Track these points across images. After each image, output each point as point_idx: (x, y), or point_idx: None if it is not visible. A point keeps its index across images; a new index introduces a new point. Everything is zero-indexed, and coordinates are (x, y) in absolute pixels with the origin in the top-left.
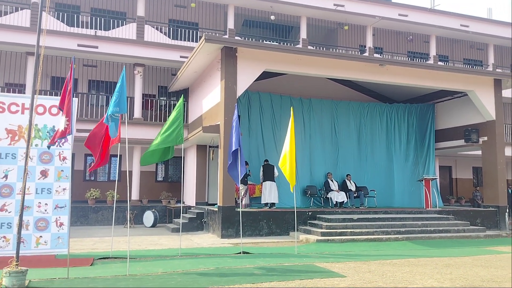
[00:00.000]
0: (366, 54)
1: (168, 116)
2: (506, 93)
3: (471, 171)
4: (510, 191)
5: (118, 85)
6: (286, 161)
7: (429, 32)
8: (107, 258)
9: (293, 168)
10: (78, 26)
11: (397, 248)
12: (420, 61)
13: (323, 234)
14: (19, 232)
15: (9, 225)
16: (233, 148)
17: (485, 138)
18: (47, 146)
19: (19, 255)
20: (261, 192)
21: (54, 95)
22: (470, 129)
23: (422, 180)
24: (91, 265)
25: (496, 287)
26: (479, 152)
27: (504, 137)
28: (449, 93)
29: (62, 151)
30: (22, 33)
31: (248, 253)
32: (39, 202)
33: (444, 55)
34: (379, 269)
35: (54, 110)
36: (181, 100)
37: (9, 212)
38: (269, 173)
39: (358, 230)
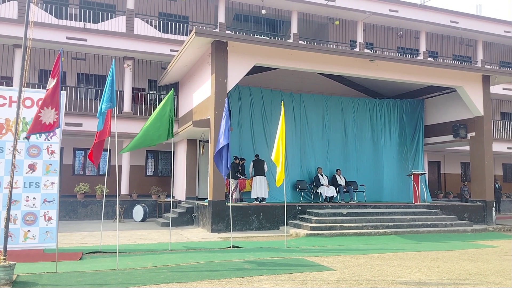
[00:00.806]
0: (357, 49)
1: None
2: (494, 89)
3: (459, 166)
4: (497, 186)
5: (109, 80)
6: (278, 156)
7: (419, 28)
8: (96, 252)
9: (282, 164)
10: (66, 19)
11: (385, 242)
12: (410, 56)
13: (313, 228)
14: (6, 226)
15: None
16: (222, 144)
17: (473, 134)
18: (25, 137)
19: (7, 249)
20: (251, 186)
21: (42, 88)
22: (459, 124)
23: (411, 175)
24: (80, 260)
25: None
26: (467, 148)
27: (491, 133)
28: (438, 88)
29: (51, 145)
30: (9, 25)
31: (238, 247)
32: (27, 196)
33: (434, 51)
34: (368, 263)
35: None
36: (170, 92)
37: None
38: (259, 168)
39: (347, 225)
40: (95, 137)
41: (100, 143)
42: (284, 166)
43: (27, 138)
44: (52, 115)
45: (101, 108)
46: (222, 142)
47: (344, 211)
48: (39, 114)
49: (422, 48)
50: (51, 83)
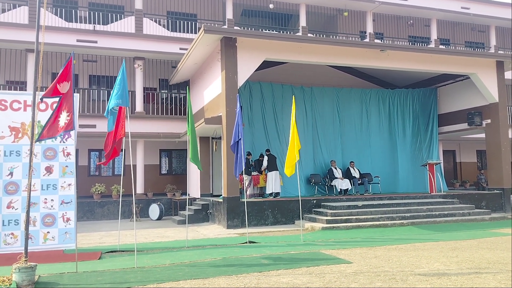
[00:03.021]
0: (367, 40)
1: (170, 109)
2: (508, 75)
3: (475, 155)
4: None
5: (118, 78)
6: (293, 149)
7: (429, 16)
8: (114, 251)
9: (293, 156)
10: (76, 22)
11: (402, 233)
12: (421, 45)
13: (328, 221)
14: (26, 229)
15: (17, 222)
16: (236, 139)
17: (489, 121)
18: (37, 141)
19: (28, 251)
20: (265, 182)
21: None
22: (473, 112)
23: (426, 165)
24: (99, 259)
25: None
26: (483, 135)
27: (507, 119)
28: (451, 76)
29: (66, 147)
30: (21, 30)
31: (254, 242)
32: (45, 198)
33: (446, 39)
34: (385, 254)
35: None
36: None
37: (16, 209)
38: (272, 163)
39: (363, 217)
40: (106, 138)
41: (118, 144)
42: (295, 159)
43: (40, 140)
44: (64, 117)
45: (109, 105)
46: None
47: (360, 203)
48: (58, 119)
49: (434, 36)
50: (65, 87)
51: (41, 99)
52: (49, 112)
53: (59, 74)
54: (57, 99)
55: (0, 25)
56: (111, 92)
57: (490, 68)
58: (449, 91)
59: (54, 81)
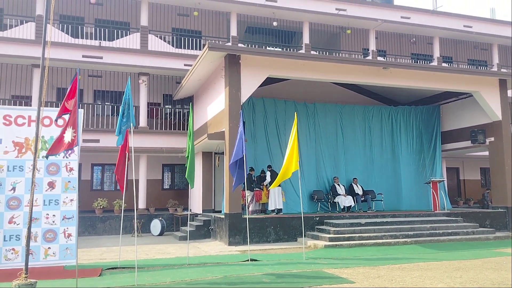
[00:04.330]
0: (370, 57)
1: (174, 124)
2: (510, 93)
3: (479, 172)
4: None
5: (125, 99)
6: (291, 164)
7: (432, 34)
8: (115, 268)
9: (287, 172)
10: (82, 37)
11: (406, 252)
12: (424, 62)
13: (331, 239)
14: (27, 244)
15: (18, 237)
16: (239, 156)
17: (492, 139)
18: (45, 156)
19: (28, 267)
20: (267, 198)
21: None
22: (477, 130)
23: (430, 183)
24: (99, 276)
25: None
26: (487, 153)
27: (511, 138)
28: (454, 94)
29: (69, 162)
30: (27, 45)
31: (256, 260)
32: (47, 214)
33: (448, 56)
34: (388, 274)
35: (60, 122)
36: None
37: (17, 224)
38: (275, 178)
39: (366, 235)
40: (119, 152)
41: (123, 158)
42: (289, 174)
43: (47, 156)
44: (70, 133)
45: (120, 126)
46: (236, 155)
47: (363, 221)
48: (63, 135)
49: (436, 53)
50: (72, 104)
51: (56, 120)
52: (53, 127)
53: (67, 92)
54: (66, 116)
55: (7, 40)
56: (121, 112)
57: (493, 86)
58: (452, 109)
59: (64, 100)
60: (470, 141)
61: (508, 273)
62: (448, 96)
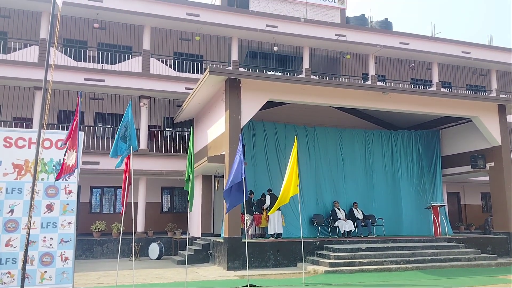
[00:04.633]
0: (369, 82)
1: (174, 147)
2: (510, 118)
3: (479, 197)
4: None
5: (129, 122)
6: (289, 188)
7: (431, 60)
8: None
9: (286, 195)
10: (85, 61)
11: (407, 278)
12: (423, 88)
13: (331, 264)
14: (23, 268)
15: (14, 261)
16: (237, 180)
17: (492, 164)
18: (55, 181)
19: None
20: (267, 222)
21: (61, 129)
22: (477, 155)
23: (430, 208)
24: None
25: None
26: (487, 178)
27: (511, 163)
28: (454, 119)
29: (68, 185)
30: (31, 68)
31: (255, 286)
32: (44, 237)
33: (447, 82)
34: None
35: (60, 144)
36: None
37: (14, 247)
38: (274, 202)
39: (366, 260)
40: (124, 174)
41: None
42: (287, 198)
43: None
44: (74, 156)
45: (116, 147)
46: (235, 179)
47: (363, 246)
48: (64, 157)
49: (435, 79)
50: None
51: (62, 145)
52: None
53: (73, 119)
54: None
55: (10, 63)
56: (122, 134)
57: (492, 111)
58: (452, 134)
59: (71, 125)
60: (470, 166)
61: None
62: (447, 121)
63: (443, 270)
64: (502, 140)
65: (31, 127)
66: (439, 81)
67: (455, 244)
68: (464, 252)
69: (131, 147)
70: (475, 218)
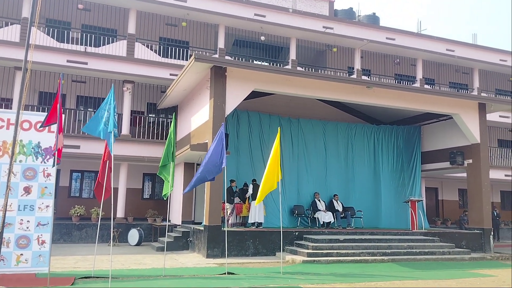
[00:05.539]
0: (354, 76)
1: (157, 133)
2: (490, 116)
3: (457, 193)
4: (495, 213)
5: (112, 105)
6: (272, 178)
7: (416, 56)
8: (88, 277)
9: (268, 186)
10: (68, 42)
11: (382, 270)
12: (407, 83)
13: (309, 254)
14: None
15: None
16: (223, 165)
17: (470, 161)
18: (53, 165)
19: None
20: (248, 211)
21: (42, 111)
22: (456, 151)
23: (408, 202)
24: (72, 285)
25: None
26: (465, 174)
27: (488, 160)
28: (435, 115)
29: (47, 168)
30: (11, 48)
31: (233, 273)
32: (21, 219)
33: (431, 78)
34: None
35: (40, 126)
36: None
37: None
38: (257, 192)
39: (344, 251)
40: (102, 159)
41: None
42: (268, 189)
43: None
44: (62, 140)
45: (104, 131)
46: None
47: (341, 237)
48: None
49: (419, 75)
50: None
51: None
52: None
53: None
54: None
55: None
56: (103, 117)
57: (472, 109)
58: (433, 130)
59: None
60: (449, 162)
61: None
62: (429, 118)
63: (418, 262)
64: (481, 138)
65: (11, 108)
66: (423, 77)
67: (430, 238)
68: (439, 246)
69: (113, 133)
70: (452, 214)
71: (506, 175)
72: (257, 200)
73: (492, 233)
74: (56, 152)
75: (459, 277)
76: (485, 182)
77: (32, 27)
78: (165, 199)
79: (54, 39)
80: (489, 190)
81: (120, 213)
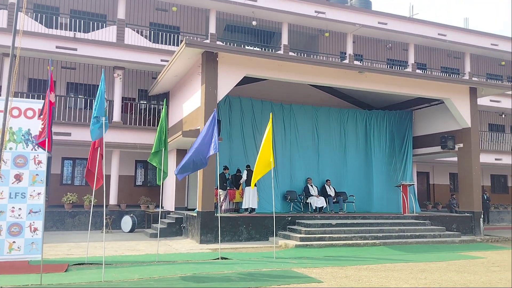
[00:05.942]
0: (346, 61)
1: (148, 120)
2: (481, 101)
3: (448, 177)
4: (485, 197)
5: (101, 91)
6: (264, 163)
7: (407, 40)
8: (82, 264)
9: (260, 170)
10: (57, 28)
11: (374, 253)
12: (399, 68)
13: (302, 239)
14: None
15: None
16: (211, 153)
17: (461, 145)
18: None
19: None
20: (241, 197)
21: (31, 98)
22: (447, 136)
23: (400, 186)
24: (65, 271)
25: None
26: (456, 159)
27: (479, 144)
28: (427, 100)
29: (38, 155)
30: None
31: (227, 258)
32: (13, 207)
33: (422, 63)
34: (356, 274)
35: (30, 113)
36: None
37: None
38: (251, 178)
39: (336, 235)
40: (92, 146)
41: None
42: (260, 174)
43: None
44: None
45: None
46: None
47: (333, 222)
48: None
49: (411, 60)
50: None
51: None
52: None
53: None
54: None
55: None
56: (98, 104)
57: (463, 94)
58: (424, 115)
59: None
60: (440, 147)
61: (471, 275)
62: (420, 102)
63: (409, 246)
64: (472, 122)
65: (0, 95)
66: (414, 62)
67: (421, 221)
68: (430, 229)
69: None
70: (443, 197)
71: (496, 159)
72: (252, 183)
73: (482, 216)
74: (43, 141)
75: (449, 260)
76: (476, 166)
77: (19, 12)
78: (159, 185)
79: (42, 24)
80: (479, 174)
81: (113, 200)
